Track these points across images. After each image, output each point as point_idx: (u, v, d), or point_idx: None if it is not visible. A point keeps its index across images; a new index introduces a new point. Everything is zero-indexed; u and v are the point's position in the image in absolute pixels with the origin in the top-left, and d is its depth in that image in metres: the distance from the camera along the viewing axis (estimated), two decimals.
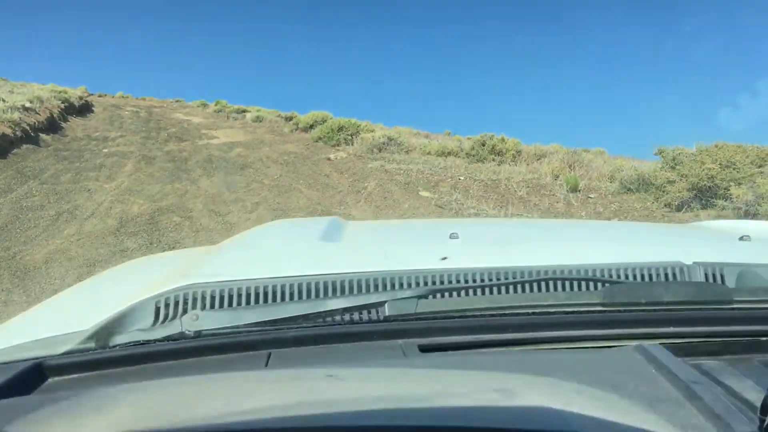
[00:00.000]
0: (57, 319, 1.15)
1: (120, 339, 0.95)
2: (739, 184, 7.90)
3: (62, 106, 19.50)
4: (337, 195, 9.94)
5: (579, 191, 9.81)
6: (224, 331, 0.94)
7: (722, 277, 1.21)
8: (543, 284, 1.14)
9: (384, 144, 15.02)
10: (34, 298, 5.02)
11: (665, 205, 8.57)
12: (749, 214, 7.26)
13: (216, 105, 30.40)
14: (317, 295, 1.08)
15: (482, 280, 1.13)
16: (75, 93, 24.62)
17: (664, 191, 8.72)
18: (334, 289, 1.09)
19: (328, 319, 1.00)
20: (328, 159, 13.63)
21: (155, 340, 0.94)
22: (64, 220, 7.53)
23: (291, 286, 1.08)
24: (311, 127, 19.10)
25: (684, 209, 8.30)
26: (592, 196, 9.60)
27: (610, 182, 10.50)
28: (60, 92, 22.03)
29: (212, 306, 1.05)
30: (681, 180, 8.48)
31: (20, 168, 10.69)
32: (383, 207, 8.94)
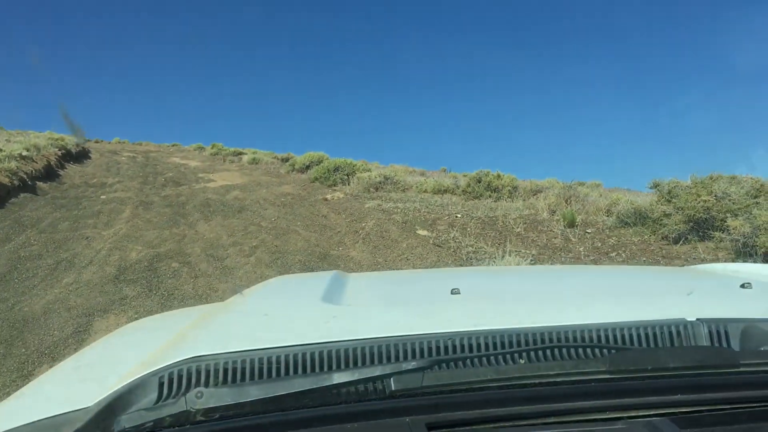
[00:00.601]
0: (57, 395, 1.13)
1: (125, 421, 0.92)
2: (736, 215, 7.92)
3: (59, 153, 19.61)
4: (335, 236, 9.95)
5: (576, 226, 9.83)
6: (230, 412, 0.93)
7: (726, 333, 1.21)
8: (550, 351, 1.13)
9: (380, 183, 15.10)
10: (33, 351, 4.99)
11: (663, 238, 8.58)
12: (747, 246, 7.27)
13: (212, 148, 30.59)
14: (321, 366, 1.07)
15: (487, 345, 1.13)
16: (72, 140, 24.77)
17: (660, 224, 8.74)
18: (338, 359, 1.09)
19: (335, 392, 0.99)
20: (325, 199, 13.68)
21: (162, 427, 0.93)
22: (62, 268, 7.52)
23: (295, 356, 1.08)
24: (307, 167, 19.22)
25: (681, 242, 8.32)
26: (589, 230, 9.62)
27: (607, 216, 10.53)
28: (57, 139, 22.15)
29: (216, 379, 1.04)
30: (677, 213, 8.51)
31: (18, 217, 10.70)
32: (381, 247, 8.94)
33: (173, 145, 38.56)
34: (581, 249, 8.51)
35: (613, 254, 8.17)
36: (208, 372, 1.05)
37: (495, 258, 7.82)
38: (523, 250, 8.37)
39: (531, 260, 7.79)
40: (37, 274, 7.25)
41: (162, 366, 1.05)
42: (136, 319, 5.68)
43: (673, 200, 8.79)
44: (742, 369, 1.05)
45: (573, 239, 9.11)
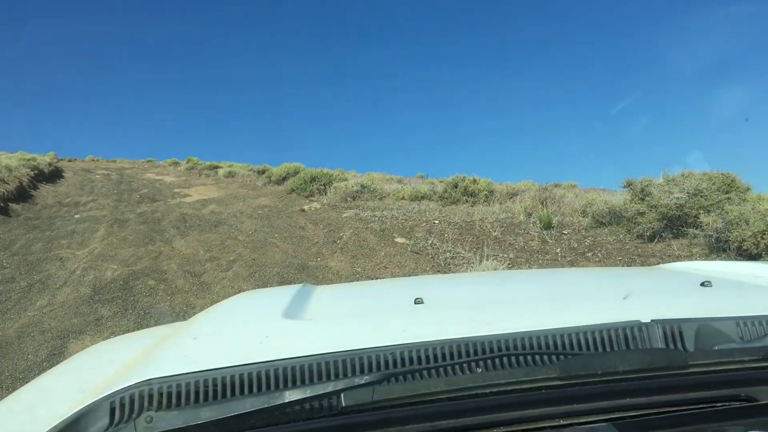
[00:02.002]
0: (8, 427, 1.11)
1: None
2: (708, 211, 8.03)
3: (32, 173, 19.38)
4: (313, 247, 9.92)
5: (553, 228, 9.90)
6: None
7: (681, 334, 1.22)
8: (499, 360, 1.13)
9: (357, 192, 15.10)
10: (7, 376, 4.90)
11: (638, 237, 8.67)
12: (720, 241, 7.37)
13: (187, 163, 30.49)
14: (276, 384, 1.06)
15: (443, 356, 1.13)
16: (44, 159, 24.51)
17: (635, 223, 8.83)
18: (293, 376, 1.08)
19: (288, 411, 0.98)
20: (303, 210, 13.64)
21: None
22: (36, 291, 7.40)
23: (250, 375, 1.07)
24: (284, 179, 19.20)
25: (656, 240, 8.40)
26: (566, 232, 9.68)
27: (583, 217, 10.62)
28: (29, 160, 21.93)
29: (168, 403, 1.02)
30: (651, 211, 8.60)
31: None
32: (359, 256, 8.93)
33: (148, 161, 38.33)
34: (558, 250, 8.57)
35: (590, 254, 8.24)
36: (161, 395, 1.03)
37: (473, 263, 7.85)
38: (500, 254, 8.41)
39: (508, 263, 7.83)
40: (10, 297, 7.13)
41: (113, 391, 1.04)
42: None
43: (647, 198, 8.89)
44: (691, 370, 1.06)
45: (550, 241, 9.17)
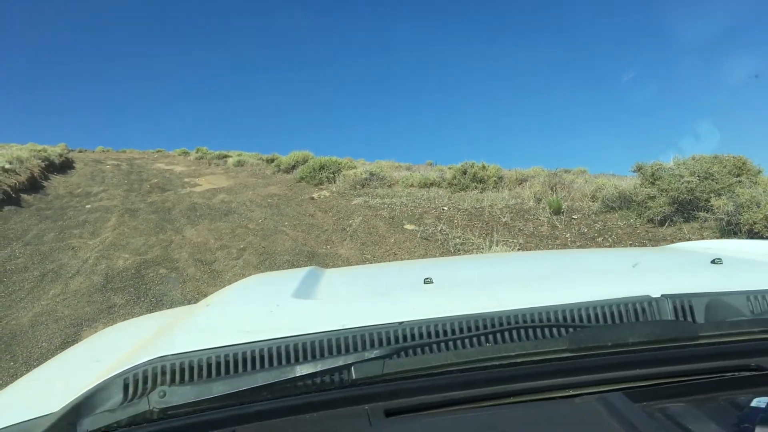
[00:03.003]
0: (26, 402, 1.14)
1: (87, 423, 0.93)
2: (719, 195, 7.98)
3: (43, 164, 19.50)
4: (322, 234, 9.94)
5: (562, 213, 9.87)
6: (190, 409, 0.94)
7: (691, 308, 1.22)
8: (509, 333, 1.14)
9: (366, 180, 15.10)
10: (21, 363, 4.96)
11: (648, 221, 8.63)
12: (731, 224, 7.33)
13: (197, 152, 30.54)
14: (287, 360, 1.08)
15: (452, 331, 1.14)
16: (55, 151, 24.63)
17: (645, 207, 8.80)
18: (304, 351, 1.09)
19: (299, 384, 1.00)
20: (312, 198, 13.66)
21: (119, 426, 0.94)
22: (49, 280, 7.47)
23: (261, 351, 1.08)
24: (293, 167, 19.21)
25: (667, 224, 8.37)
26: (575, 217, 9.66)
27: (593, 201, 10.58)
28: (40, 151, 22.04)
29: (182, 378, 1.04)
30: (661, 195, 8.56)
31: (2, 231, 10.62)
32: (369, 243, 8.95)
33: (158, 151, 38.43)
34: (568, 235, 8.55)
35: (600, 239, 8.22)
36: (173, 371, 1.05)
37: (482, 248, 7.85)
38: (510, 240, 8.40)
39: (518, 249, 7.83)
40: (24, 286, 7.20)
41: (127, 368, 1.06)
42: None
43: (657, 182, 8.84)
44: (700, 341, 1.06)
45: (559, 226, 9.15)
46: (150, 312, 6.08)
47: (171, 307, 6.29)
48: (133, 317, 5.94)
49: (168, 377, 1.04)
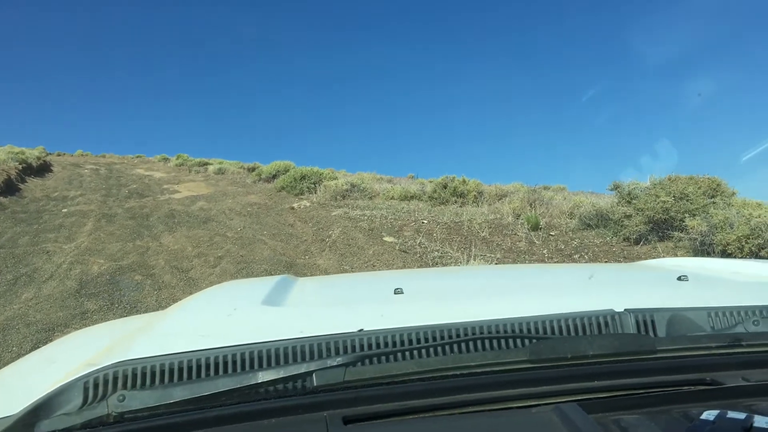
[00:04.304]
0: None
1: (45, 425, 0.93)
2: (694, 215, 8.10)
3: (20, 167, 19.26)
4: (301, 245, 9.93)
5: (540, 229, 9.95)
6: (148, 413, 0.93)
7: (653, 323, 1.24)
8: (471, 343, 1.15)
9: (347, 191, 15.11)
10: None
11: (624, 240, 8.74)
12: (705, 245, 7.44)
13: (177, 159, 30.35)
14: (250, 366, 1.08)
15: (415, 341, 1.15)
16: (33, 153, 24.35)
17: (622, 226, 8.90)
18: (267, 358, 1.09)
19: (261, 390, 1.00)
20: (292, 208, 13.64)
21: (75, 429, 0.93)
22: (22, 284, 7.37)
23: (225, 357, 1.08)
24: (274, 177, 19.19)
25: (642, 242, 8.47)
26: (553, 233, 9.74)
27: (570, 219, 10.68)
28: (17, 153, 21.77)
29: (143, 383, 1.04)
30: (637, 214, 8.67)
31: None
32: (347, 254, 8.95)
33: (137, 157, 38.16)
34: (545, 251, 8.62)
35: (576, 256, 8.29)
36: (134, 376, 1.04)
37: (460, 262, 7.88)
38: (488, 254, 8.45)
39: (495, 263, 7.87)
40: None
41: (88, 372, 1.05)
42: None
43: (633, 201, 8.95)
44: (659, 355, 1.08)
45: (537, 242, 9.22)
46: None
47: (145, 313, 6.23)
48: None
49: (129, 382, 1.04)
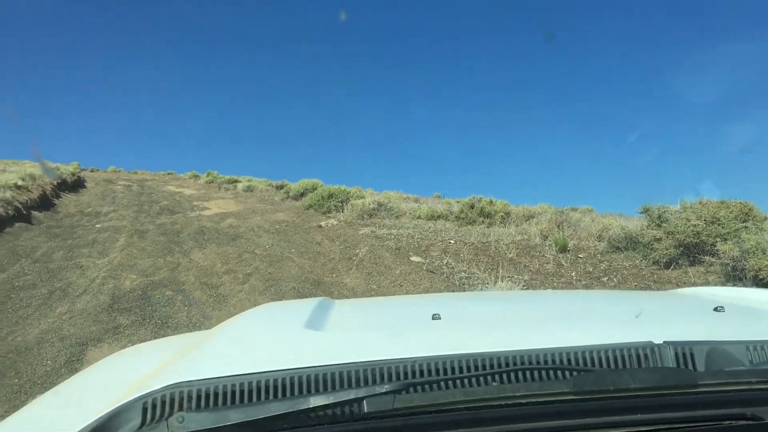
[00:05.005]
0: (42, 423, 1.17)
1: None
2: (725, 239, 8.00)
3: (55, 182, 19.68)
4: (328, 263, 9.99)
5: (568, 251, 9.90)
6: None
7: (692, 356, 1.26)
8: (515, 374, 1.18)
9: (374, 210, 15.17)
10: (26, 380, 5.00)
11: (654, 263, 8.65)
12: (736, 270, 7.34)
13: (207, 176, 30.74)
14: (300, 390, 1.12)
15: (460, 369, 1.18)
16: (67, 169, 24.89)
17: (651, 249, 8.82)
18: (317, 383, 1.13)
19: (312, 415, 1.04)
20: (319, 227, 13.73)
21: None
22: (56, 298, 7.53)
23: (275, 381, 1.12)
24: (302, 195, 19.33)
25: (672, 266, 8.38)
26: (581, 255, 9.68)
27: (599, 241, 10.60)
28: (53, 169, 22.23)
29: (198, 405, 1.08)
30: (667, 237, 8.59)
31: (13, 247, 10.72)
32: (375, 273, 8.99)
33: (168, 173, 38.74)
34: (573, 274, 8.57)
35: (605, 279, 8.23)
36: (190, 397, 1.09)
37: (487, 283, 7.87)
38: (515, 276, 8.42)
39: (523, 285, 7.85)
40: (31, 303, 7.26)
41: (146, 392, 1.10)
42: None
43: (663, 225, 8.87)
44: (700, 389, 1.10)
45: (565, 264, 9.17)
46: (154, 334, 6.13)
47: (176, 329, 6.33)
48: (138, 338, 5.98)
49: (186, 403, 1.09)
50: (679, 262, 8.43)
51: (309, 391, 1.12)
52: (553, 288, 7.87)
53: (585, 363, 1.24)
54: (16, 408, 4.61)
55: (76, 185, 23.33)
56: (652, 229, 9.10)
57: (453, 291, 7.85)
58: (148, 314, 6.85)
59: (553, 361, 1.22)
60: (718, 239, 8.06)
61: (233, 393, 1.11)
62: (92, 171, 36.98)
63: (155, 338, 5.99)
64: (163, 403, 1.08)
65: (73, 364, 5.36)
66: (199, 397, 1.10)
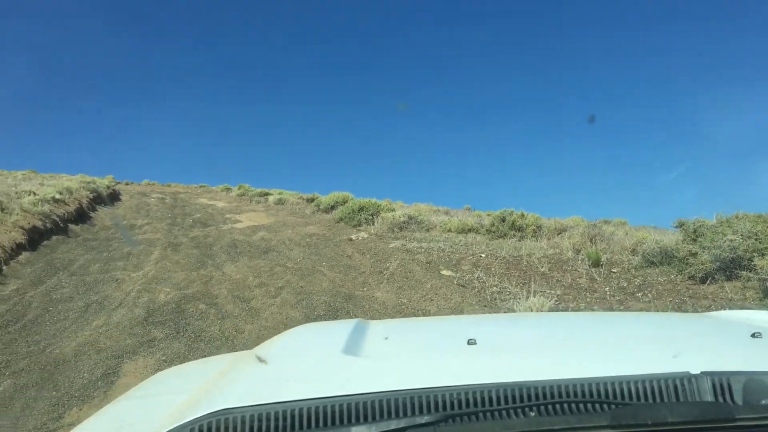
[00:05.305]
0: None
1: None
2: (763, 254, 7.84)
3: (91, 196, 20.10)
4: (359, 276, 10.01)
5: (601, 265, 9.78)
6: None
7: (729, 387, 1.25)
8: (553, 407, 1.19)
9: (404, 223, 15.18)
10: (63, 393, 5.09)
11: (689, 278, 8.50)
12: None
13: (239, 189, 31.09)
14: (341, 419, 1.14)
15: (498, 399, 1.19)
16: (103, 182, 25.37)
17: (687, 264, 8.67)
18: (357, 410, 1.15)
19: None
20: (350, 240, 13.78)
21: None
22: (92, 311, 7.67)
23: (317, 409, 1.14)
24: (332, 208, 19.43)
25: (708, 281, 8.23)
26: (615, 270, 9.56)
27: (633, 255, 10.45)
28: (89, 182, 22.72)
29: (243, 431, 1.11)
30: (703, 252, 8.44)
31: (50, 260, 10.96)
32: (405, 287, 8.98)
33: (201, 186, 39.24)
34: (607, 289, 8.46)
35: (639, 294, 8.11)
36: (235, 424, 1.12)
37: (519, 298, 7.81)
38: (547, 291, 8.35)
39: (555, 300, 7.77)
40: (68, 316, 7.41)
41: (192, 418, 1.13)
42: (164, 361, 5.78)
43: (699, 239, 8.73)
44: (738, 423, 1.09)
45: (598, 279, 9.06)
46: (188, 347, 6.19)
47: (209, 343, 6.40)
48: (171, 351, 6.05)
49: (231, 430, 1.11)
50: (716, 277, 8.27)
51: (350, 419, 1.14)
52: (587, 304, 7.78)
53: (622, 394, 1.23)
54: (54, 420, 4.69)
55: (111, 198, 23.78)
56: (687, 244, 8.96)
57: (485, 306, 7.80)
58: (181, 327, 6.93)
59: (591, 393, 1.22)
60: (756, 254, 7.90)
61: (276, 419, 1.13)
62: (126, 184, 37.66)
63: (189, 352, 6.07)
64: (209, 429, 1.11)
65: (110, 377, 5.44)
66: (243, 424, 1.12)
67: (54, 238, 12.95)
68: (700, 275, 8.36)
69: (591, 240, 11.32)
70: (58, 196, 16.36)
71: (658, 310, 7.19)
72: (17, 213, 12.67)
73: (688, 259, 8.71)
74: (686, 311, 7.11)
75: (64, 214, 15.12)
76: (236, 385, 1.34)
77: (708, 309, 6.89)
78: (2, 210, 12.60)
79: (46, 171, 34.32)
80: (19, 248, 11.21)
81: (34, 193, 15.65)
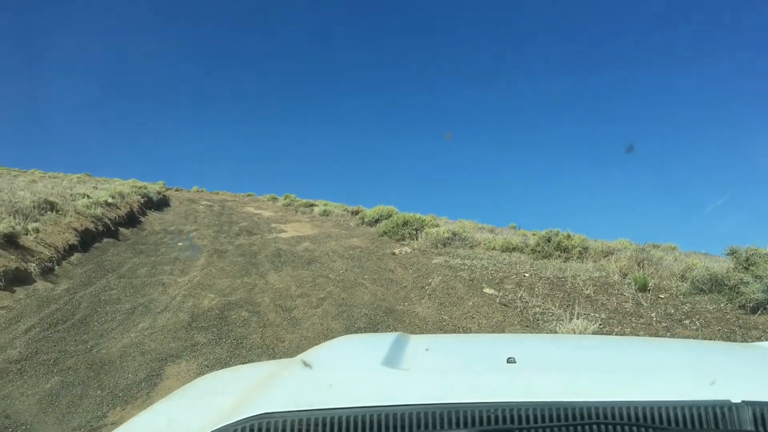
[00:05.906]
0: None
1: None
2: None
3: (142, 200, 20.62)
4: (401, 291, 10.00)
5: (648, 290, 9.56)
6: None
7: None
8: (589, 427, 1.17)
9: (448, 239, 15.13)
10: (108, 393, 5.20)
11: (740, 307, 8.24)
12: None
13: (285, 199, 31.46)
14: (379, 429, 1.15)
15: (534, 418, 1.18)
16: (154, 188, 26.03)
17: (737, 292, 8.42)
18: (395, 421, 1.16)
19: None
20: (393, 254, 13.79)
21: None
22: (139, 313, 7.84)
23: (355, 418, 1.16)
24: (376, 221, 19.48)
25: (759, 311, 7.97)
26: (662, 296, 9.33)
27: (682, 281, 10.19)
28: (140, 187, 23.34)
29: None
30: (755, 281, 8.19)
31: (100, 261, 11.26)
32: (447, 304, 8.93)
33: (248, 195, 39.85)
34: (653, 315, 8.26)
35: (687, 321, 7.90)
36: (276, 428, 1.14)
37: (563, 320, 7.69)
38: (591, 314, 8.20)
39: (599, 324, 7.62)
40: (116, 317, 7.58)
41: (236, 420, 1.16)
42: (206, 366, 5.87)
43: (751, 268, 8.47)
44: None
45: (644, 304, 8.86)
46: (230, 353, 6.27)
47: (250, 350, 6.47)
48: (213, 357, 6.13)
49: None
50: (767, 307, 8.00)
51: (388, 430, 1.15)
52: (632, 329, 7.61)
53: (660, 419, 1.21)
54: (98, 419, 4.79)
55: (161, 203, 24.36)
56: (738, 272, 8.70)
57: (527, 327, 7.70)
58: (224, 333, 7.03)
59: (629, 417, 1.20)
60: None
61: (316, 426, 1.15)
62: (177, 190, 38.53)
63: (231, 358, 6.15)
64: (252, 430, 1.13)
65: (153, 379, 5.55)
66: (284, 428, 1.14)
67: (105, 240, 13.32)
68: (751, 305, 8.10)
69: (639, 264, 11.09)
70: (110, 200, 16.84)
71: (705, 339, 6.99)
72: (71, 215, 13.08)
73: (738, 288, 8.45)
74: (735, 341, 6.89)
75: (115, 217, 15.54)
76: (280, 389, 1.37)
77: (758, 339, 6.67)
78: (57, 211, 13.03)
79: (100, 175, 35.43)
80: (71, 249, 11.56)
81: (88, 196, 16.13)
